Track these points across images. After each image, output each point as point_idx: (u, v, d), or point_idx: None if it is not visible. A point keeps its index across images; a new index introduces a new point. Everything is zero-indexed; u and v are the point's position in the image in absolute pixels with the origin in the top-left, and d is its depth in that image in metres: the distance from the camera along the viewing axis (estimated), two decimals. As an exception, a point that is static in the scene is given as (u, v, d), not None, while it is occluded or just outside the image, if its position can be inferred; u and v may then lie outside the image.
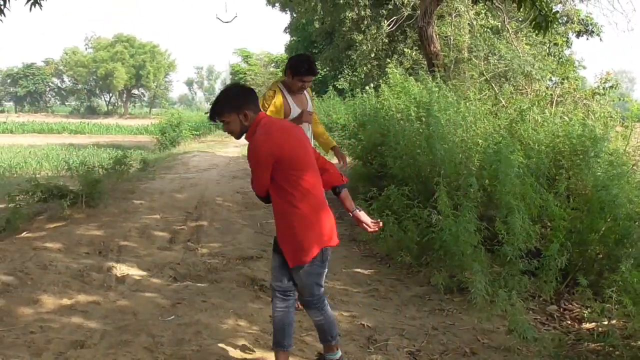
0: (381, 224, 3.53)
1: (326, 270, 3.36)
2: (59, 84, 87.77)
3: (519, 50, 9.90)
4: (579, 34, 15.62)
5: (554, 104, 7.51)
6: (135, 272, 5.62)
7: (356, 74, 20.57)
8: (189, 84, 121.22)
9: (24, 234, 7.01)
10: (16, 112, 77.21)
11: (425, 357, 3.88)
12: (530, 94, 8.01)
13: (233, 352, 3.82)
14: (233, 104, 3.22)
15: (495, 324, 4.36)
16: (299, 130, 3.40)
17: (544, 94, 7.56)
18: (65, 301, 4.80)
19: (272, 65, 51.72)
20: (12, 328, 4.16)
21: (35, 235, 6.89)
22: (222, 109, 3.24)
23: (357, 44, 19.08)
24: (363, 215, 3.49)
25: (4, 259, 5.74)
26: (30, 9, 6.46)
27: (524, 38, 11.71)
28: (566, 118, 6.60)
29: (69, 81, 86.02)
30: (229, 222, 7.76)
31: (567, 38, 15.25)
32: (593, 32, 15.80)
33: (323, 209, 3.29)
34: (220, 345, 3.91)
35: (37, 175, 10.68)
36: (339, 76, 23.62)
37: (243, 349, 3.88)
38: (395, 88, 9.12)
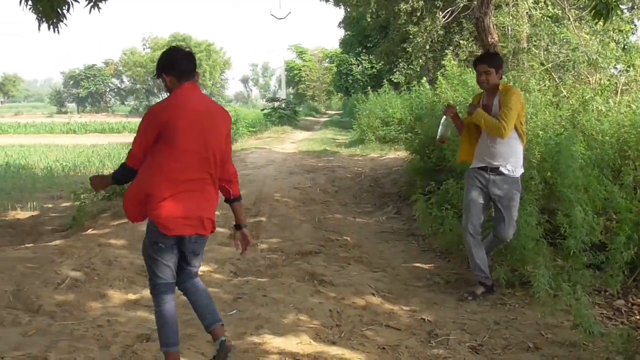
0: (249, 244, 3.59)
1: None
2: (119, 84, 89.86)
3: (581, 38, 9.61)
4: (644, 20, 15.00)
5: (618, 93, 7.26)
6: (197, 267, 5.73)
7: (411, 67, 20.40)
8: (245, 81, 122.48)
9: (89, 231, 7.26)
10: (78, 113, 79.56)
11: (487, 352, 3.84)
12: (593, 84, 7.76)
13: (294, 347, 3.86)
14: (158, 65, 3.29)
15: (559, 319, 4.27)
16: (209, 114, 3.30)
17: (608, 82, 7.31)
18: (131, 296, 4.97)
19: (327, 60, 51.77)
20: (81, 321, 4.33)
21: (100, 232, 7.13)
22: (156, 68, 3.31)
23: (412, 37, 18.91)
24: (244, 234, 3.51)
25: (72, 255, 5.92)
26: (90, 11, 6.67)
27: (586, 26, 11.33)
28: (632, 107, 6.38)
29: (128, 81, 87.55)
30: (287, 218, 7.83)
31: (634, 24, 14.65)
32: (660, 17, 15.14)
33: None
34: (281, 339, 3.95)
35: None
36: (394, 70, 23.51)
37: (304, 342, 3.91)
38: (453, 80, 9.01)
